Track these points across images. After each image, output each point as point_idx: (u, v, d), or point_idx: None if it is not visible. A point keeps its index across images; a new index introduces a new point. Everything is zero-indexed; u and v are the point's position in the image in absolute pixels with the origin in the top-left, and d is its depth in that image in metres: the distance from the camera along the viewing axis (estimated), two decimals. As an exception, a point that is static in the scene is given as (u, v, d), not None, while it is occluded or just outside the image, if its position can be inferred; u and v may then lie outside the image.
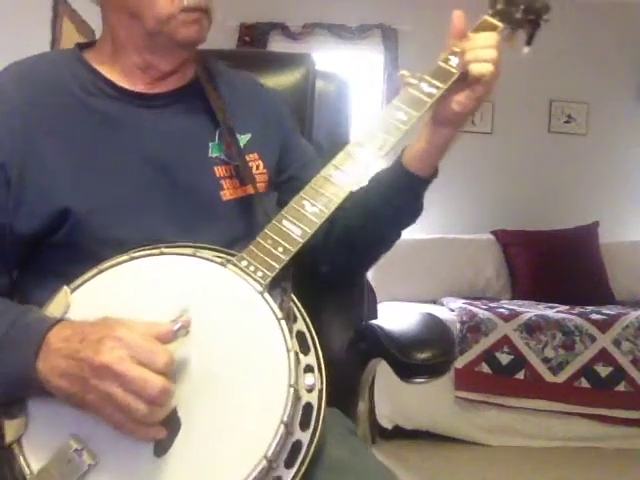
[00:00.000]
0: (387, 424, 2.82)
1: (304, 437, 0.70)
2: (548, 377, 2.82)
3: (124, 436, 0.66)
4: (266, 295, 0.75)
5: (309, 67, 1.23)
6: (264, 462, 0.66)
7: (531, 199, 3.95)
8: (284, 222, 0.81)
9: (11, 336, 0.71)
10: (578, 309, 3.11)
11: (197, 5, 0.85)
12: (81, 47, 0.95)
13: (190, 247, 0.80)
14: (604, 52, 3.97)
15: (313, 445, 0.70)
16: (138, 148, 0.88)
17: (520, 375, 2.83)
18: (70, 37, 2.55)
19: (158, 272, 0.78)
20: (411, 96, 0.85)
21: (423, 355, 0.97)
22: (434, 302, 3.46)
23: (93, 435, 0.67)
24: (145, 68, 0.91)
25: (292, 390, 0.69)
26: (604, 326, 2.89)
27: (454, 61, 0.85)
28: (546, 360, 2.83)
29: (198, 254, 0.79)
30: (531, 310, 3.07)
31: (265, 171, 0.97)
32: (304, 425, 0.70)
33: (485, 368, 2.82)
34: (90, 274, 0.77)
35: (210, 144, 0.93)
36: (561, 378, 2.82)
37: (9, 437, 0.69)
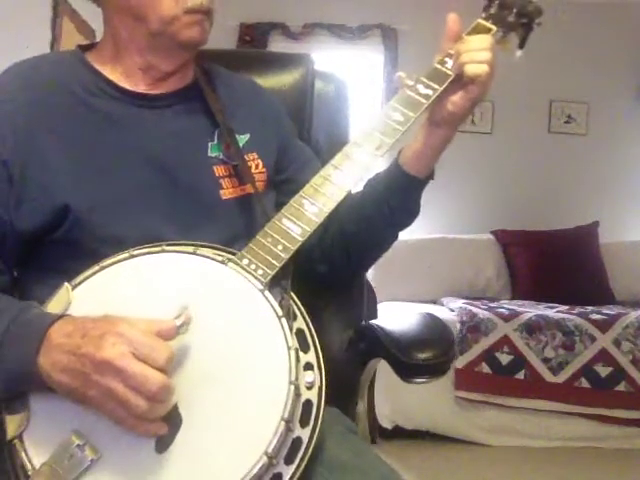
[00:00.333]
0: (387, 424, 2.83)
1: (304, 434, 0.70)
2: (548, 377, 2.82)
3: (126, 432, 0.66)
4: (267, 293, 0.76)
5: (308, 67, 1.24)
6: (264, 458, 0.66)
7: (531, 199, 3.96)
8: (284, 221, 0.81)
9: (13, 332, 0.71)
10: (578, 309, 3.11)
11: (200, 7, 0.87)
12: (82, 48, 0.96)
13: (191, 245, 0.81)
14: (604, 52, 3.97)
15: (313, 442, 0.70)
16: (138, 147, 0.88)
17: (520, 375, 2.83)
18: (70, 37, 2.56)
19: (159, 269, 0.78)
20: (408, 97, 0.86)
21: (423, 355, 0.97)
22: (434, 302, 3.47)
23: (95, 430, 0.68)
24: (146, 69, 0.92)
25: (292, 387, 0.69)
26: (604, 326, 2.89)
27: (450, 63, 0.86)
28: (546, 360, 2.84)
29: (198, 252, 0.79)
30: (531, 310, 3.07)
31: (264, 170, 0.98)
32: (304, 422, 0.71)
33: (485, 368, 2.83)
34: (91, 271, 0.77)
35: (209, 144, 0.94)
36: (561, 378, 2.82)
37: (11, 432, 0.69)
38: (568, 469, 2.61)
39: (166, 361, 0.65)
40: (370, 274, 1.24)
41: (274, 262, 0.78)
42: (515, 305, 3.24)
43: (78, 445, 0.67)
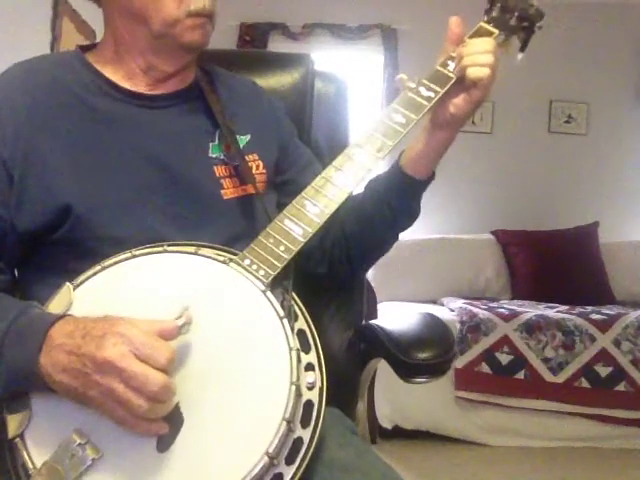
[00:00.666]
0: (387, 424, 2.83)
1: (305, 434, 0.70)
2: (548, 377, 2.82)
3: (127, 431, 0.66)
4: (268, 293, 0.76)
5: (308, 67, 1.24)
6: (265, 458, 0.66)
7: (531, 199, 3.96)
8: (286, 221, 0.81)
9: (14, 332, 0.71)
10: (578, 309, 3.11)
11: (202, 10, 0.87)
12: (83, 49, 0.96)
13: (192, 245, 0.81)
14: (604, 52, 3.98)
15: (314, 442, 0.70)
16: (139, 148, 0.89)
17: (520, 375, 2.83)
18: (70, 37, 2.56)
19: (161, 270, 0.78)
20: (410, 100, 0.87)
21: (423, 355, 0.97)
22: (434, 302, 3.47)
23: (96, 429, 0.68)
24: (147, 70, 0.92)
25: (294, 388, 0.69)
26: (604, 326, 2.89)
27: (452, 66, 0.87)
28: (546, 360, 2.84)
29: (200, 252, 0.79)
30: (531, 310, 3.07)
31: (265, 171, 0.98)
32: (305, 422, 0.71)
33: (485, 368, 2.83)
34: (92, 271, 0.78)
35: (210, 144, 0.94)
36: (561, 378, 2.82)
37: (12, 431, 0.69)
38: (568, 469, 2.61)
39: (167, 361, 0.65)
40: (370, 274, 1.24)
41: (276, 263, 0.78)
42: (515, 305, 3.24)
43: (79, 444, 0.67)
